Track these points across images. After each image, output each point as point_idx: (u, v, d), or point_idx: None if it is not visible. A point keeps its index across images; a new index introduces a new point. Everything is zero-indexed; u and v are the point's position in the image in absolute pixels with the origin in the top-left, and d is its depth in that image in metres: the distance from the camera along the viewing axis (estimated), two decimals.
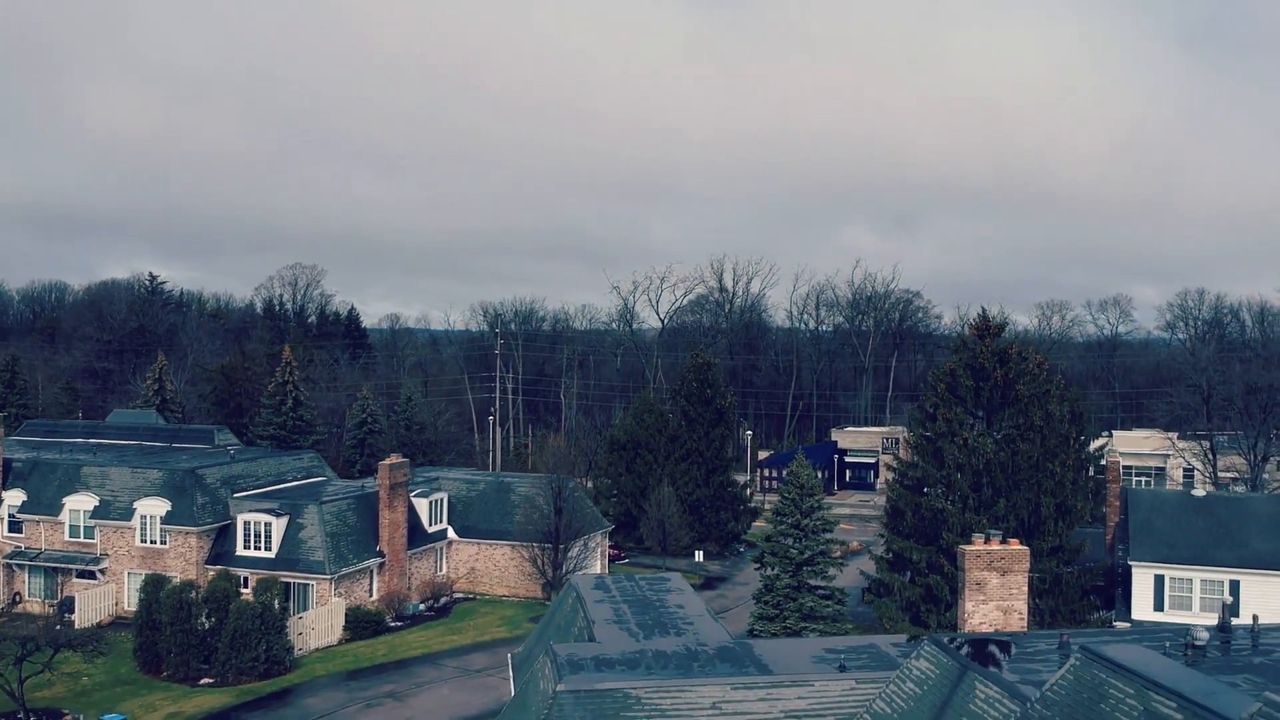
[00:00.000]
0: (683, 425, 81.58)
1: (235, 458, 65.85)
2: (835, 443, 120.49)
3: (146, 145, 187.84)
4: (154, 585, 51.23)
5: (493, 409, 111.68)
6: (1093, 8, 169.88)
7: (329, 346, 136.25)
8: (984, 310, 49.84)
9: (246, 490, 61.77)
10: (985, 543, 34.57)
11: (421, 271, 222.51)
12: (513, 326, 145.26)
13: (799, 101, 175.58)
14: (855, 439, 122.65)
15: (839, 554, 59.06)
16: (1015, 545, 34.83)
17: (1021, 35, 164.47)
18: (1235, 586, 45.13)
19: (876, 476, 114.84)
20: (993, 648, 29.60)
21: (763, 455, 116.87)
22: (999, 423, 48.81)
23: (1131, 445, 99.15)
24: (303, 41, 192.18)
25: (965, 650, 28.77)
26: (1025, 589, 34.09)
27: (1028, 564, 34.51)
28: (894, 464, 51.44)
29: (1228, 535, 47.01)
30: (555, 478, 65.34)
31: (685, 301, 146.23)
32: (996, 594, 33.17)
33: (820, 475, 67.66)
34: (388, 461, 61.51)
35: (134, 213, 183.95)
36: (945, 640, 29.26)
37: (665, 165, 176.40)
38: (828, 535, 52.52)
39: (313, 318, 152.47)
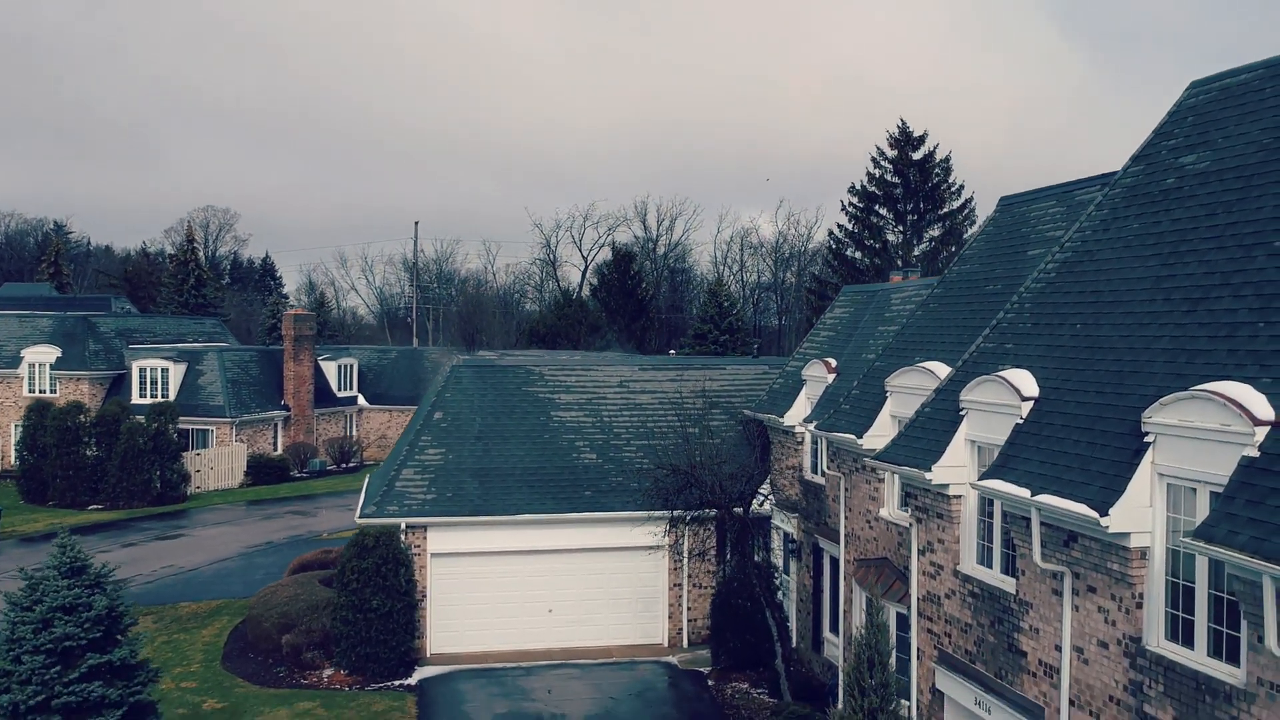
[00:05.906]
0: (603, 316, 79.89)
1: (132, 314, 62.90)
2: None
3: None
4: (39, 411, 48.42)
5: (410, 318, 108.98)
6: None
7: (243, 292, 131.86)
8: (903, 121, 48.80)
9: (143, 344, 58.95)
10: (904, 279, 33.67)
11: (324, 259, 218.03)
12: (433, 270, 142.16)
13: (687, 81, 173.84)
14: None
15: None
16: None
17: (896, 15, 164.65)
18: None
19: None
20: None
21: None
22: (921, 230, 48.06)
23: None
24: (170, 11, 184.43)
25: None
26: None
27: None
28: (811, 282, 50.46)
29: None
30: (471, 341, 63.51)
31: (608, 241, 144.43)
32: None
33: None
34: (291, 312, 59.10)
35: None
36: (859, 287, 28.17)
37: (551, 149, 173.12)
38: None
39: (225, 263, 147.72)
